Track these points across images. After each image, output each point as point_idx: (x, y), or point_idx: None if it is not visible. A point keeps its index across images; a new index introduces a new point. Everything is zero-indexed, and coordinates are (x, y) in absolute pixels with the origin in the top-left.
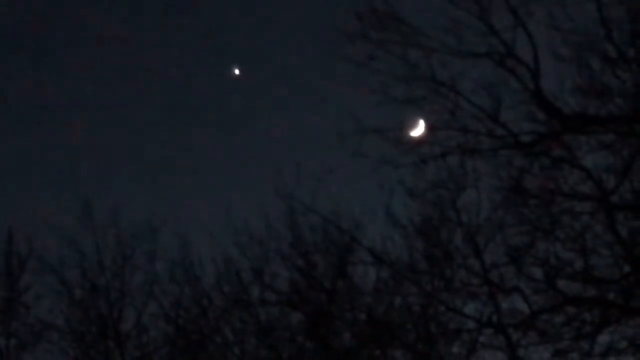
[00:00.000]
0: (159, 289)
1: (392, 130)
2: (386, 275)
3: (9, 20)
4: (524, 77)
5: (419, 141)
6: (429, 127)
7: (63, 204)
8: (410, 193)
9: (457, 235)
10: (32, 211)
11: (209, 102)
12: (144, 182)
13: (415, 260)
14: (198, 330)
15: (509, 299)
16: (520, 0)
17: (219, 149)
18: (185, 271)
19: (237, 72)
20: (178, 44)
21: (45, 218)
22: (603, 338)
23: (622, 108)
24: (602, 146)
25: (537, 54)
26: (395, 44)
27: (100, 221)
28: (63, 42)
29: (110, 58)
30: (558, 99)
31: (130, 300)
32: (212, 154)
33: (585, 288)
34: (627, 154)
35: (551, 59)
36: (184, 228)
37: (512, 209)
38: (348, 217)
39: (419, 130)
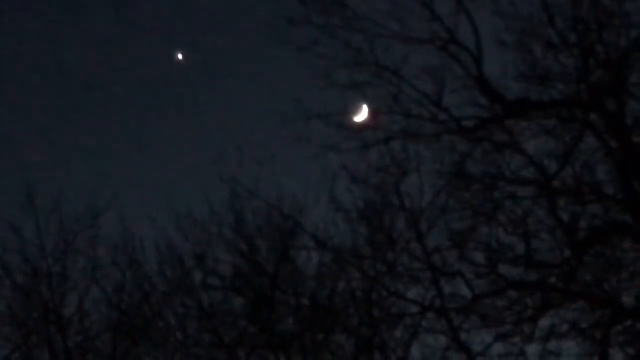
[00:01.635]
0: (101, 274)
1: (335, 115)
2: (329, 260)
3: None
4: (467, 62)
5: (363, 126)
6: (373, 112)
7: (4, 188)
8: (354, 178)
9: (400, 220)
10: None
11: (153, 87)
12: (86, 167)
13: (358, 245)
14: (141, 315)
15: (451, 284)
16: None
17: (162, 133)
18: (127, 256)
19: (180, 57)
20: (123, 28)
21: None
22: (545, 322)
23: (564, 93)
24: (544, 131)
25: (480, 40)
26: (338, 29)
27: (42, 206)
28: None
29: (50, 40)
30: (500, 84)
31: (72, 286)
32: (155, 139)
33: (526, 272)
34: (569, 139)
35: (494, 45)
36: (126, 213)
37: (455, 193)
38: (291, 202)
39: (362, 115)
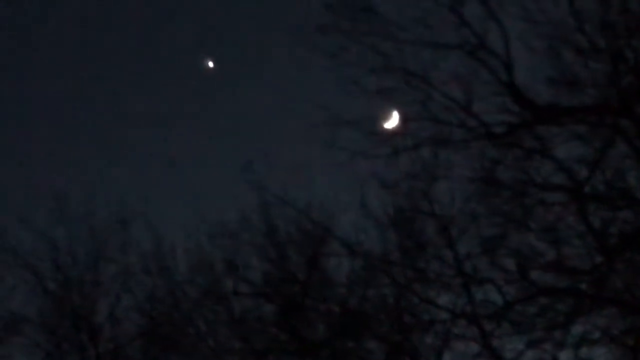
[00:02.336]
0: (132, 281)
1: (364, 122)
2: (359, 267)
3: None
4: (496, 68)
5: (392, 133)
6: (402, 119)
7: (36, 197)
8: (384, 184)
9: (430, 226)
10: (4, 204)
11: (183, 95)
12: (116, 175)
13: (388, 251)
14: (171, 322)
15: (482, 290)
16: None
17: (192, 141)
18: (158, 263)
19: (210, 64)
20: (155, 37)
21: (19, 211)
22: (576, 328)
23: (594, 99)
24: (574, 137)
25: (509, 46)
26: (367, 36)
27: (73, 214)
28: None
29: (83, 49)
30: (530, 90)
31: (103, 292)
32: (185, 146)
33: (558, 278)
34: (599, 144)
35: (523, 51)
36: (156, 220)
37: (485, 200)
38: (321, 208)
39: (392, 121)
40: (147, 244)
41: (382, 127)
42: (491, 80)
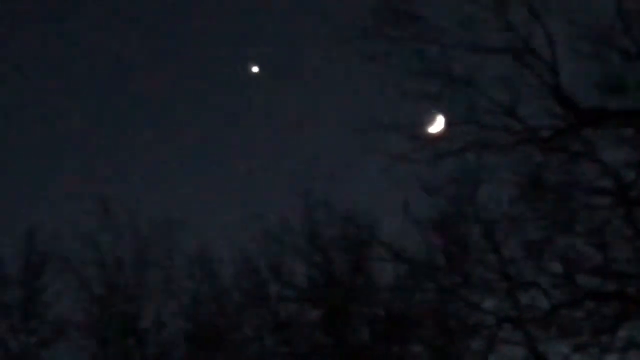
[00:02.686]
0: (177, 286)
1: (408, 127)
2: (404, 271)
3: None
4: (542, 71)
5: (436, 137)
6: (446, 123)
7: (81, 202)
8: (428, 189)
9: (475, 230)
10: (52, 210)
11: (227, 99)
12: (162, 180)
13: (433, 256)
14: (216, 327)
15: (527, 294)
16: None
17: (236, 146)
18: (203, 268)
19: (255, 69)
20: (199, 42)
21: (65, 217)
22: (623, 332)
23: None
24: (621, 140)
25: (555, 49)
26: (411, 40)
27: (119, 220)
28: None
29: (127, 55)
30: (576, 93)
31: (148, 298)
32: (230, 152)
33: (604, 282)
34: None
35: (569, 54)
36: (201, 225)
37: (530, 203)
38: (365, 213)
39: (436, 126)
40: (192, 249)
41: (426, 132)
42: (536, 84)
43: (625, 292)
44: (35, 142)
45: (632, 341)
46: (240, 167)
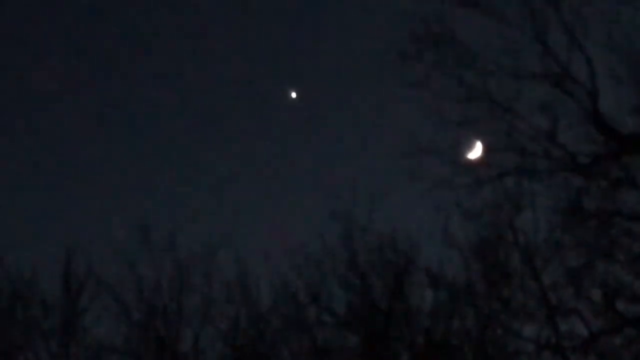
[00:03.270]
0: (215, 310)
1: (448, 152)
2: (443, 297)
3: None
4: (581, 97)
5: (476, 162)
6: (486, 149)
7: (121, 226)
8: (467, 214)
9: (515, 256)
10: (91, 233)
11: (267, 126)
12: (201, 204)
13: (472, 281)
14: (255, 353)
15: (567, 321)
16: (577, 20)
17: (276, 170)
18: (241, 292)
19: (293, 95)
20: (237, 67)
21: (105, 240)
22: None
23: None
24: None
25: (594, 75)
26: (451, 66)
27: (158, 243)
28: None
29: (164, 80)
30: (616, 119)
31: (187, 322)
32: (269, 176)
33: None
34: None
35: (608, 79)
36: (240, 250)
37: (570, 230)
38: (404, 238)
39: (475, 151)
40: (231, 273)
41: (466, 157)
42: (576, 110)
43: None
44: (76, 164)
45: None
46: (280, 190)
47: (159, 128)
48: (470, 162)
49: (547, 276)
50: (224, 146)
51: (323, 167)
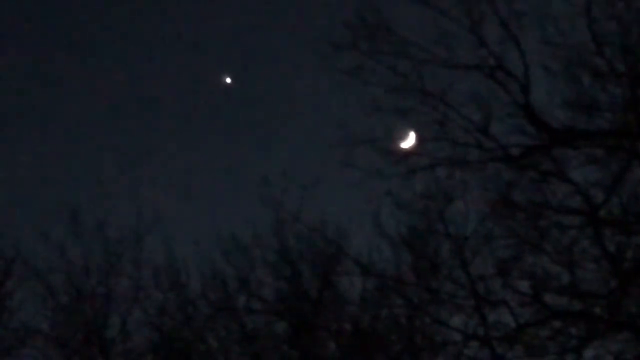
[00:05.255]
0: (144, 295)
1: (381, 141)
2: (372, 286)
3: None
4: (514, 90)
5: (408, 152)
6: (418, 139)
7: (50, 209)
8: (398, 204)
9: (445, 247)
10: (18, 216)
11: (199, 110)
12: (130, 189)
13: (402, 271)
14: (183, 338)
15: (495, 312)
16: (512, 13)
17: (206, 156)
18: (170, 278)
19: (228, 80)
20: (171, 51)
21: (32, 223)
22: (589, 352)
23: (611, 123)
24: (591, 160)
25: (528, 68)
26: (385, 55)
27: (87, 227)
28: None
29: (95, 62)
30: (547, 112)
31: (115, 307)
32: (199, 162)
33: (571, 302)
34: (616, 168)
35: (541, 73)
36: (169, 235)
37: (500, 221)
38: (335, 227)
39: (408, 141)
40: (160, 258)
41: (399, 147)
42: (508, 102)
43: (592, 312)
44: (2, 144)
45: None
46: (210, 177)
47: (89, 110)
48: (403, 151)
49: (476, 267)
50: (153, 130)
51: (255, 154)
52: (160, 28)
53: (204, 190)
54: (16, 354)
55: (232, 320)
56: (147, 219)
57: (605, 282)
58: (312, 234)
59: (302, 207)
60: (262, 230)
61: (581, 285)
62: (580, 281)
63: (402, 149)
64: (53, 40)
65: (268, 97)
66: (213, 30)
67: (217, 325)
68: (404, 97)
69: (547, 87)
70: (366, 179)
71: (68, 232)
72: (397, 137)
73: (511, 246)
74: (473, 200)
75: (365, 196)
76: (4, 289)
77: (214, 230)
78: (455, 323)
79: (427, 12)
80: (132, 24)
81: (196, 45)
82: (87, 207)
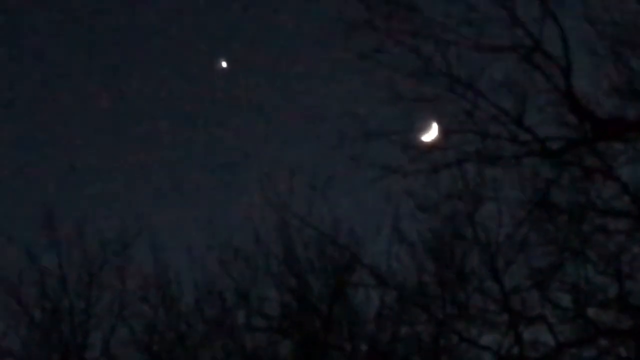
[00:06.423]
0: (129, 311)
1: (401, 134)
2: (391, 300)
3: None
4: (553, 74)
5: (432, 146)
6: (443, 131)
7: (23, 213)
8: (421, 206)
9: (474, 254)
10: None
11: (192, 98)
12: (114, 190)
13: (424, 282)
14: (174, 359)
15: (532, 329)
16: None
17: (202, 152)
18: (160, 291)
19: (224, 64)
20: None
21: (3, 229)
22: None
23: None
24: None
25: (569, 49)
26: (406, 35)
27: (64, 233)
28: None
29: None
30: (592, 100)
31: (96, 324)
32: (195, 158)
33: (619, 318)
34: None
35: (585, 55)
36: (159, 242)
37: (538, 225)
38: (348, 232)
39: (431, 133)
40: (147, 269)
41: (421, 140)
42: (547, 89)
43: None
44: None
45: None
46: (205, 175)
47: (65, 106)
48: (426, 145)
49: (509, 278)
50: (142, 123)
51: (256, 149)
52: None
53: (198, 190)
54: None
55: (231, 339)
56: (133, 223)
57: None
58: (322, 240)
59: (310, 209)
60: (265, 237)
61: (630, 298)
62: (630, 294)
63: (425, 142)
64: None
65: (269, 84)
66: (211, 10)
67: (213, 344)
68: (427, 83)
69: (591, 71)
70: (384, 178)
71: (42, 238)
72: (419, 129)
73: (550, 254)
74: (506, 201)
75: (383, 197)
76: None
77: (209, 237)
78: (486, 342)
79: None
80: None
81: (190, 27)
82: (65, 210)
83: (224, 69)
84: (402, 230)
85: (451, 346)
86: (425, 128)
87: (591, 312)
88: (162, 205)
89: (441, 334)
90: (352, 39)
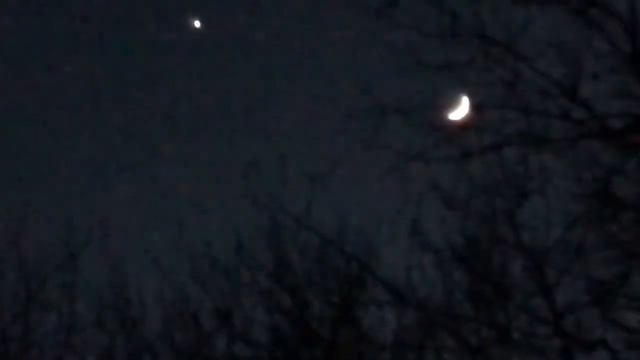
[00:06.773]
0: (80, 338)
1: (423, 111)
2: (411, 322)
3: None
4: (616, 35)
5: (462, 126)
6: (476, 107)
7: None
8: (448, 202)
9: (516, 264)
10: None
11: (162, 60)
12: (58, 184)
13: (454, 300)
14: None
15: (590, 357)
16: None
17: (169, 136)
18: (118, 313)
19: (197, 24)
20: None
21: None
22: None
23: None
24: None
25: (634, 3)
26: None
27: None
28: None
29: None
30: None
31: (38, 354)
32: (159, 143)
33: None
34: None
35: None
36: (116, 251)
37: (597, 225)
38: (357, 235)
39: (461, 110)
40: (102, 284)
41: (447, 119)
42: (607, 53)
43: None
44: None
45: None
46: (174, 164)
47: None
48: (455, 125)
49: (562, 293)
50: (90, 93)
51: (238, 130)
52: None
53: (167, 187)
54: None
55: None
56: (83, 229)
57: None
58: (324, 246)
59: (309, 207)
60: (250, 243)
61: None
62: None
63: (453, 121)
64: None
65: (257, 47)
66: None
67: None
68: (454, 46)
69: None
70: (402, 166)
71: None
72: (444, 105)
73: (613, 261)
74: (558, 195)
75: (401, 191)
76: None
77: (181, 244)
78: None
79: None
80: None
81: None
82: None
83: (197, 28)
84: (424, 234)
85: None
86: (453, 104)
87: None
88: (119, 204)
89: None
90: None
